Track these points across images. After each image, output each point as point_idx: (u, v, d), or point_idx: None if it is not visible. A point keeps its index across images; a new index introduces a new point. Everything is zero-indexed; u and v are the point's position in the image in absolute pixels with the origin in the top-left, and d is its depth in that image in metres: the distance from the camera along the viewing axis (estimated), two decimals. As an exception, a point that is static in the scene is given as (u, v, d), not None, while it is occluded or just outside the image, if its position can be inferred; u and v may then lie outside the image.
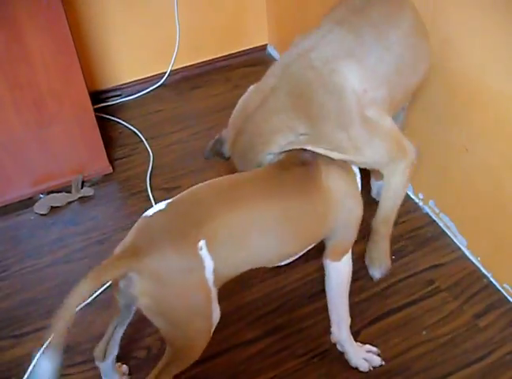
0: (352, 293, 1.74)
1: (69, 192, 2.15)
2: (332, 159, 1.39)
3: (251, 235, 1.26)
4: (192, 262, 1.17)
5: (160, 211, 1.22)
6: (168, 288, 1.16)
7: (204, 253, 1.17)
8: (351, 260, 1.52)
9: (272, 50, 2.87)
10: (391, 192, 1.56)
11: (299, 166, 1.37)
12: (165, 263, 1.15)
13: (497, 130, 1.61)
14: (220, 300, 1.75)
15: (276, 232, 1.30)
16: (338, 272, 1.52)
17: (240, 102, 1.49)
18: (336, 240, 1.47)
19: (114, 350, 1.46)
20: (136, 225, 1.23)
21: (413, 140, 1.60)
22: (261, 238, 1.28)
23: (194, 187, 1.30)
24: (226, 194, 1.27)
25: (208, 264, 1.19)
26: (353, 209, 1.44)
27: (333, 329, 1.55)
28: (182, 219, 1.20)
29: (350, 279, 1.53)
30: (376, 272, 1.78)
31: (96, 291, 1.75)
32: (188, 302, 1.21)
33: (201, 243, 1.17)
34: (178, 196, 1.27)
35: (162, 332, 1.24)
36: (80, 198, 2.15)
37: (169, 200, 1.25)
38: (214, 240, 1.19)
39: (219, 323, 1.71)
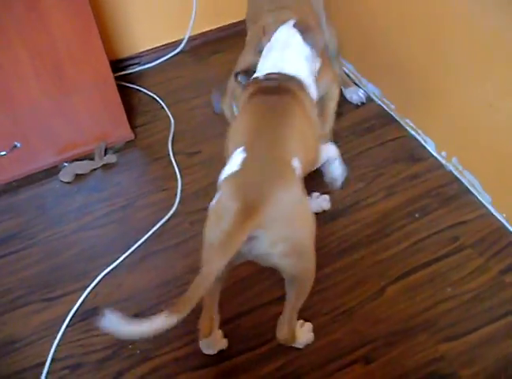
0: (377, 251, 1.77)
1: (93, 159, 2.16)
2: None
3: (303, 139, 1.37)
4: (299, 185, 1.26)
5: (243, 159, 1.23)
6: (296, 223, 1.20)
7: (297, 166, 1.27)
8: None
9: (290, 13, 2.83)
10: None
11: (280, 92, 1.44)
12: (285, 202, 1.16)
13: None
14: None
15: (308, 134, 1.43)
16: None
17: None
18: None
19: (216, 322, 1.50)
20: (228, 187, 1.20)
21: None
22: (306, 140, 1.40)
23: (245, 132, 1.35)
24: (271, 117, 1.36)
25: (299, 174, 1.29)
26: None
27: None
28: (267, 152, 1.25)
29: None
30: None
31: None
32: (310, 224, 1.27)
33: (295, 161, 1.27)
34: (241, 139, 1.31)
35: (293, 271, 1.27)
36: (103, 165, 2.16)
37: (238, 150, 1.26)
38: (296, 150, 1.30)
39: (244, 283, 1.74)
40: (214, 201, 1.23)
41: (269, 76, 1.47)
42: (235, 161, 1.24)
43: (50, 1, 1.80)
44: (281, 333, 1.48)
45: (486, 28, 1.62)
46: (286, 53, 1.51)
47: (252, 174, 1.21)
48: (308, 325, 1.59)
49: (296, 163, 1.27)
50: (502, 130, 1.72)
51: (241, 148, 1.26)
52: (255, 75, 1.53)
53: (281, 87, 1.44)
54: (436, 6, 1.79)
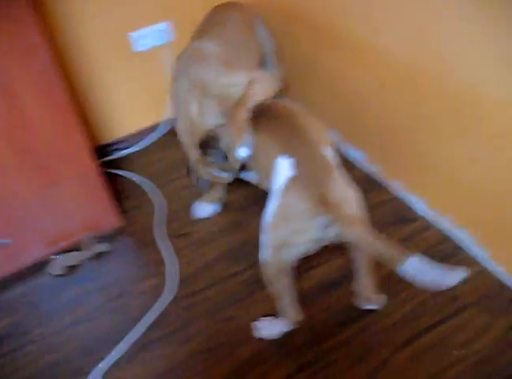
0: (378, 319, 1.74)
1: (83, 250, 2.14)
2: None
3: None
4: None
5: (293, 164, 1.40)
6: (354, 201, 1.43)
7: (329, 153, 1.50)
8: None
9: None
10: None
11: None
12: (341, 187, 1.41)
13: (502, 138, 1.60)
14: (245, 342, 1.74)
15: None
16: None
17: None
18: None
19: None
20: (294, 190, 1.37)
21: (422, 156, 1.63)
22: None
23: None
24: (284, 124, 1.54)
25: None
26: None
27: None
28: (308, 153, 1.44)
29: None
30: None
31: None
32: (359, 199, 1.48)
33: (326, 150, 1.49)
34: (274, 151, 1.47)
35: (362, 239, 1.36)
36: (94, 255, 2.14)
37: (280, 158, 1.44)
38: (320, 140, 1.50)
39: (246, 366, 1.70)
40: (275, 211, 1.43)
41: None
42: (285, 167, 1.41)
43: (30, 100, 1.82)
44: (372, 295, 1.74)
45: (460, 85, 1.66)
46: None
47: (309, 173, 1.38)
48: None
49: (328, 151, 1.47)
50: (485, 182, 1.74)
51: (282, 156, 1.43)
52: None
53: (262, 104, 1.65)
54: (414, 72, 1.84)
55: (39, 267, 2.13)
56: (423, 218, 2.07)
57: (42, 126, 1.90)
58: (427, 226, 2.03)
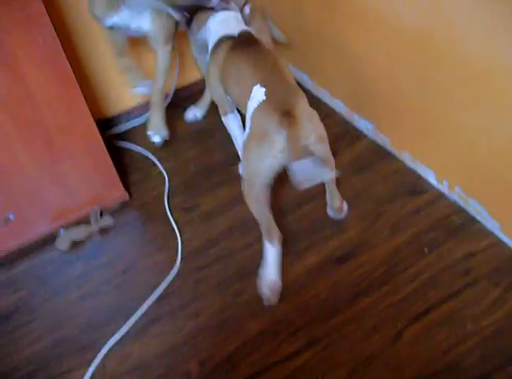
0: (390, 293, 1.71)
1: (89, 223, 2.12)
2: None
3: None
4: None
5: (265, 91, 1.58)
6: (315, 119, 1.63)
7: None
8: None
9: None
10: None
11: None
12: (306, 107, 1.62)
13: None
14: (254, 317, 1.72)
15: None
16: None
17: None
18: None
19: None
20: (263, 110, 1.56)
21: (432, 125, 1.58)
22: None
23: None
24: (264, 59, 1.73)
25: None
26: None
27: None
28: (279, 81, 1.65)
29: None
30: (155, 136, 2.11)
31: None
32: (320, 121, 1.67)
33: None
34: (251, 80, 1.65)
35: (323, 153, 1.62)
36: (100, 229, 2.11)
37: (256, 87, 1.61)
38: (290, 75, 1.75)
39: (255, 341, 1.67)
40: (248, 132, 1.61)
41: (239, 34, 1.87)
42: (259, 94, 1.59)
43: (32, 72, 1.80)
44: (337, 203, 1.93)
45: (472, 52, 1.60)
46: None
47: (277, 97, 1.56)
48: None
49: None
50: (501, 154, 1.69)
51: (257, 85, 1.61)
52: (217, 37, 1.90)
53: (251, 39, 1.84)
54: (423, 37, 1.78)
55: (45, 242, 2.12)
56: (434, 189, 2.02)
57: (46, 99, 1.87)
58: (438, 197, 1.99)
